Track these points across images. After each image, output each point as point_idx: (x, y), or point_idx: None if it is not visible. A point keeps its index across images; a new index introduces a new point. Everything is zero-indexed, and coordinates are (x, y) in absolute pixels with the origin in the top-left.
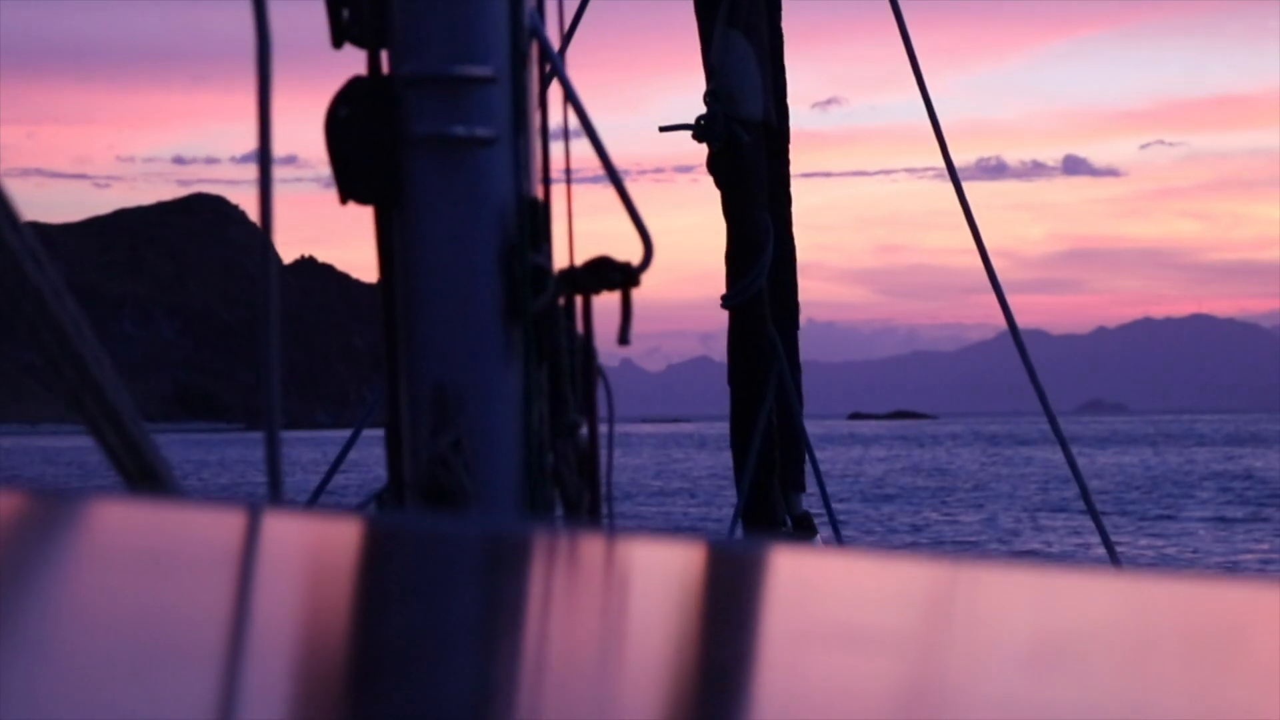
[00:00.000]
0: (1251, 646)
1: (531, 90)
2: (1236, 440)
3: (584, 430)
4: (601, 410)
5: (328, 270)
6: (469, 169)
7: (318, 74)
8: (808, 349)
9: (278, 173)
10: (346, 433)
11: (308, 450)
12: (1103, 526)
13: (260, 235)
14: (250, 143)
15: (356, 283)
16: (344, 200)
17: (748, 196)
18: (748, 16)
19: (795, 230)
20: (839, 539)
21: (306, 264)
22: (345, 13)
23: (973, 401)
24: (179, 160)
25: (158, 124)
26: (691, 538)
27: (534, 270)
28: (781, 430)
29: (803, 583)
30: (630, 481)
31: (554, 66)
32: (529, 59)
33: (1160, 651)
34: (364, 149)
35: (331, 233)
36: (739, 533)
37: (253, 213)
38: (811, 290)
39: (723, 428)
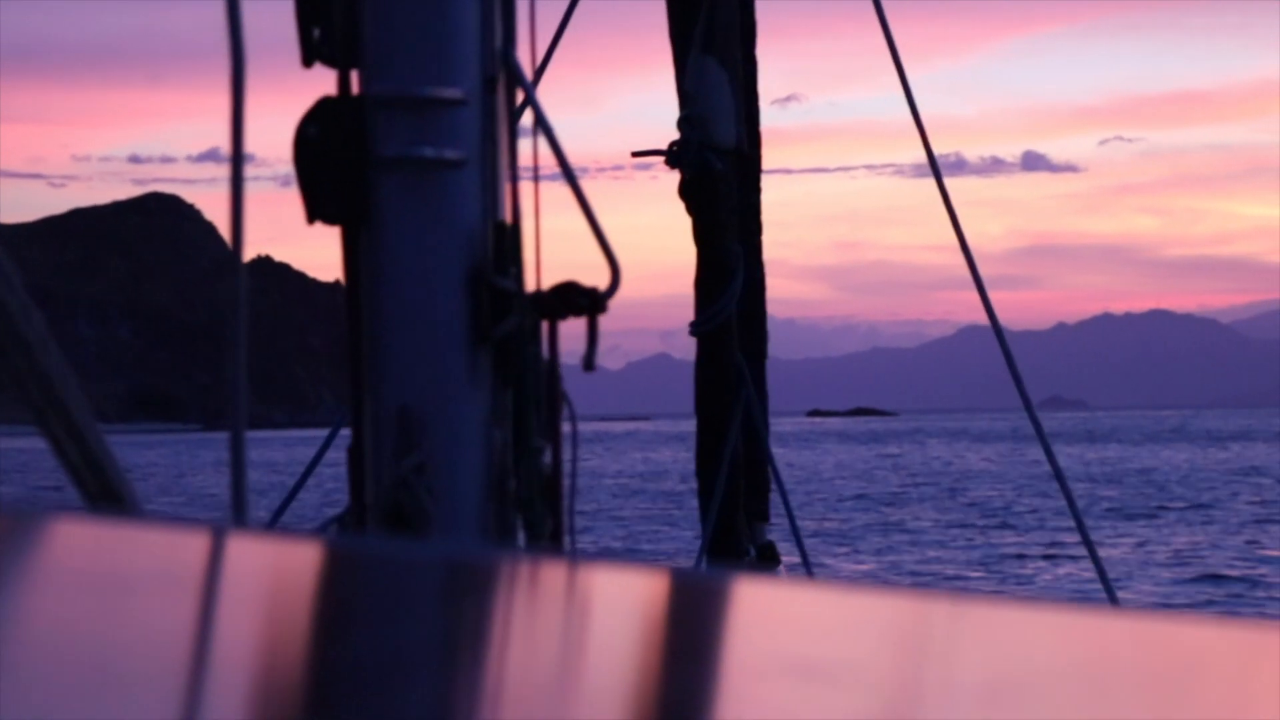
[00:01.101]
0: (1207, 685)
1: (501, 114)
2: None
3: (548, 456)
4: (566, 436)
5: (285, 269)
6: (437, 191)
7: (278, 73)
8: (769, 347)
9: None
10: (303, 432)
11: (265, 450)
12: (1081, 521)
13: (231, 254)
14: (207, 141)
15: (314, 282)
16: (311, 220)
17: (719, 224)
18: (722, 43)
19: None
20: (807, 569)
21: (263, 263)
22: (316, 32)
23: (933, 398)
24: (135, 159)
25: (114, 123)
26: (654, 566)
27: (501, 294)
28: (748, 459)
29: (764, 614)
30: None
31: (525, 91)
32: (499, 82)
33: (1117, 689)
34: (332, 169)
35: (289, 231)
36: (703, 563)
37: (208, 211)
38: (772, 287)
39: (683, 426)
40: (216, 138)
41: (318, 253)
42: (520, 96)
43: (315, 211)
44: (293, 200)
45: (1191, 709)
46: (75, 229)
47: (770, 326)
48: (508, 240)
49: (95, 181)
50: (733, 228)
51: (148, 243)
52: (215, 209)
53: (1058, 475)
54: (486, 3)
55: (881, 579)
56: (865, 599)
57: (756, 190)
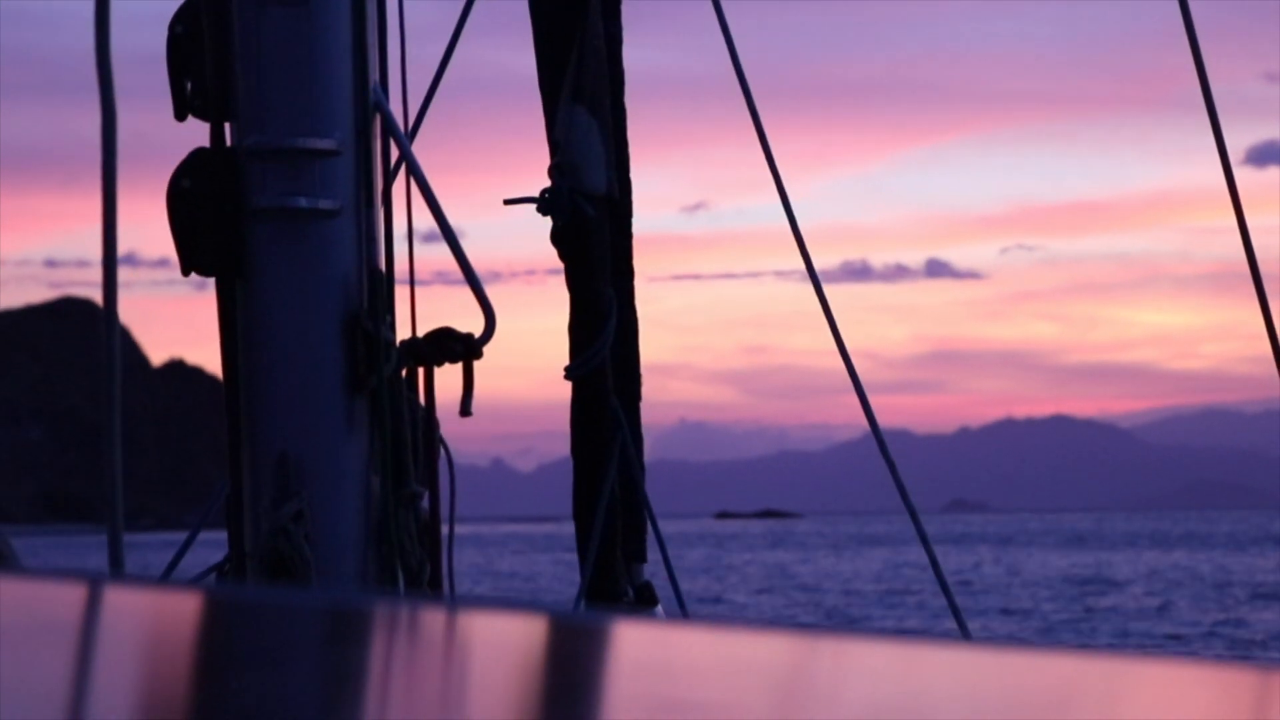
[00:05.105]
0: (1081, 715)
1: (375, 163)
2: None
3: (426, 501)
4: (443, 481)
5: (197, 373)
6: (312, 241)
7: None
8: (679, 450)
9: (147, 275)
10: (213, 534)
11: (172, 554)
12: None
13: (107, 332)
14: (122, 245)
15: None
16: (186, 272)
17: (591, 269)
18: (592, 92)
19: (664, 332)
20: (683, 609)
21: (176, 367)
22: (189, 85)
23: (838, 500)
24: (50, 263)
25: (30, 227)
26: (533, 610)
27: (377, 341)
28: (624, 501)
29: (644, 656)
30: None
31: (397, 140)
32: (373, 132)
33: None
34: (206, 221)
35: (202, 334)
36: (582, 605)
37: (122, 314)
38: (682, 391)
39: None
40: (132, 241)
41: None
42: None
43: (190, 263)
44: (206, 304)
45: None
46: None
47: (680, 429)
48: (382, 288)
49: (10, 285)
50: (605, 273)
51: (60, 345)
52: (129, 312)
53: (937, 572)
54: (358, 54)
55: (757, 618)
56: (742, 638)
57: (628, 235)
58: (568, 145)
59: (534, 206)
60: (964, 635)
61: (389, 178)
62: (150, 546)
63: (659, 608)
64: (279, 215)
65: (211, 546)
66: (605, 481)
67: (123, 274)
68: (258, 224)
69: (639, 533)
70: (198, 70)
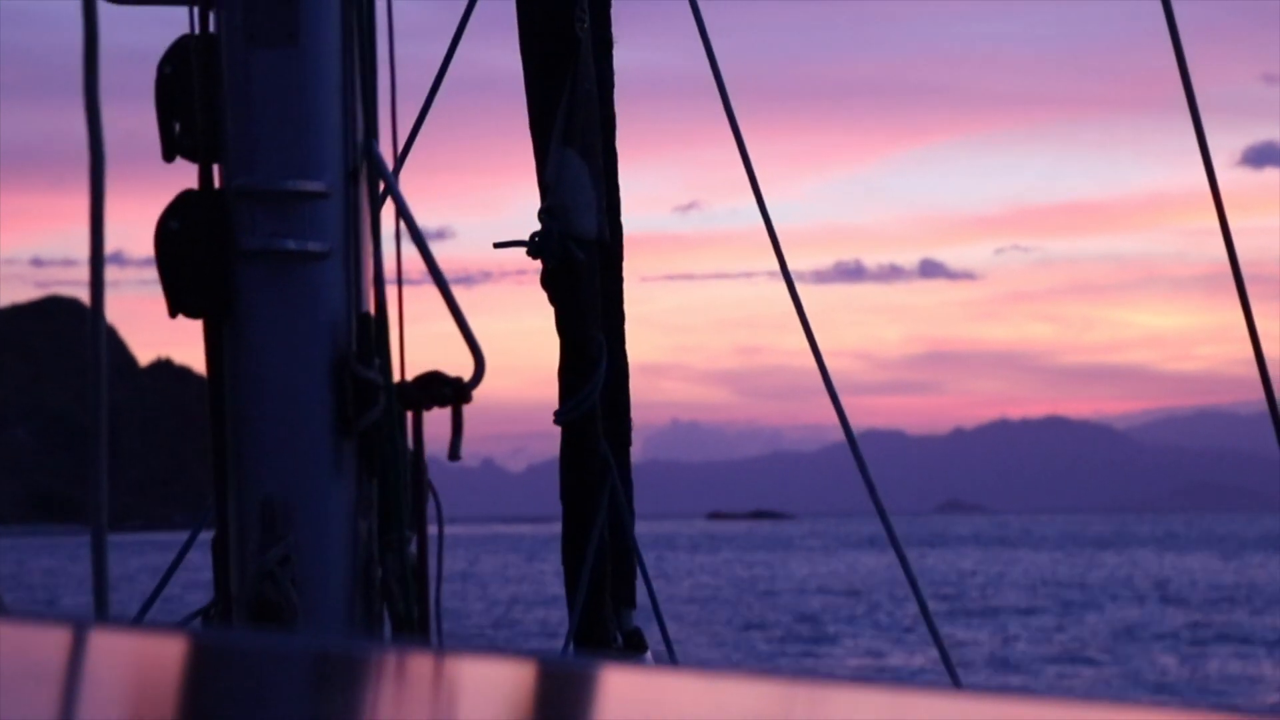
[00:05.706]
0: None
1: (364, 206)
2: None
3: (413, 546)
4: (432, 525)
5: (185, 373)
6: (300, 283)
7: (172, 177)
8: (671, 450)
9: (135, 274)
10: (203, 535)
11: (161, 556)
12: (936, 631)
13: (93, 342)
14: (109, 244)
15: None
16: (173, 313)
17: (581, 313)
18: (583, 135)
19: (657, 332)
20: (671, 655)
21: (164, 366)
22: (177, 126)
23: (831, 500)
24: (37, 262)
25: (16, 227)
26: (522, 656)
27: (365, 385)
28: (614, 546)
29: (632, 702)
30: None
31: (386, 184)
32: (361, 175)
33: None
34: (194, 262)
35: (190, 334)
36: (571, 650)
37: (109, 314)
38: (675, 391)
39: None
40: (119, 240)
41: None
42: (382, 189)
43: (178, 304)
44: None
45: None
46: None
47: (672, 430)
48: (371, 331)
49: None
50: (595, 317)
51: (47, 345)
52: (116, 311)
53: (908, 573)
54: (348, 96)
55: (746, 664)
56: (731, 686)
57: (619, 279)
58: (558, 188)
59: (524, 249)
60: (943, 657)
61: (377, 219)
62: (136, 547)
63: (649, 654)
64: (267, 257)
65: (205, 549)
66: (595, 526)
67: (110, 273)
68: (246, 266)
69: (628, 578)
70: (186, 111)
